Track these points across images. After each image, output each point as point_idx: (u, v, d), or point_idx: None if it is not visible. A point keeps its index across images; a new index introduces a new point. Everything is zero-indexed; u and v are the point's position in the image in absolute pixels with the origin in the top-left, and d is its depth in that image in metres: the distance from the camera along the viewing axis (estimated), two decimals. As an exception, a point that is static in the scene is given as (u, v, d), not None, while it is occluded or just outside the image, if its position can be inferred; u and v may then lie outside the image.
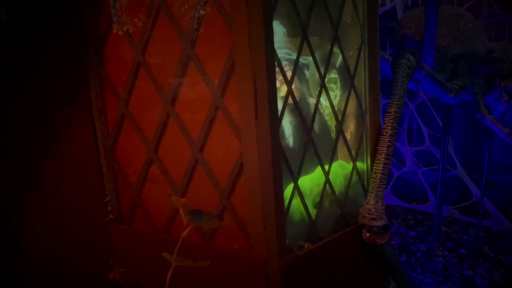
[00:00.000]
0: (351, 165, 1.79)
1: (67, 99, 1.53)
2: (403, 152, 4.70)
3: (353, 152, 1.79)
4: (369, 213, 1.71)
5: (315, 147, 1.60)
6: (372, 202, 1.72)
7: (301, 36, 1.49)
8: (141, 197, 1.69)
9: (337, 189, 1.77)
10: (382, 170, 1.74)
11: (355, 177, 1.81)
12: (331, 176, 1.73)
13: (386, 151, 1.75)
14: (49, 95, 1.47)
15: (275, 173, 1.41)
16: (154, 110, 1.57)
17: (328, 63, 1.61)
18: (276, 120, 1.40)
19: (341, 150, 1.80)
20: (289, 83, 1.47)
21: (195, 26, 1.42)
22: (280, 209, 1.46)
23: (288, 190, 1.55)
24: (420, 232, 3.99)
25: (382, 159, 1.74)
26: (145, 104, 1.59)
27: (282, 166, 1.49)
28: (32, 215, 1.53)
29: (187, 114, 1.53)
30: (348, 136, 1.81)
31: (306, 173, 1.69)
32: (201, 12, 1.40)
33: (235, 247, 1.53)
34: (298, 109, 1.52)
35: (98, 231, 1.64)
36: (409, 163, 4.64)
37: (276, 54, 1.39)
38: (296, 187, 1.56)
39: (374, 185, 1.74)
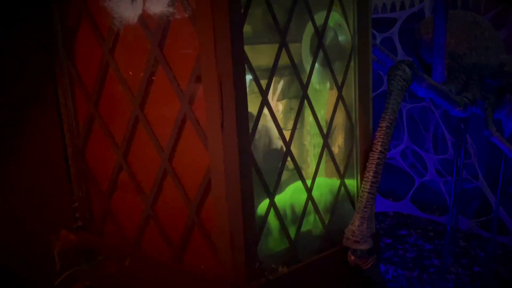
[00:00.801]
0: (339, 181, 1.68)
1: (32, 95, 1.48)
2: (425, 159, 4.53)
3: (341, 167, 1.68)
4: (352, 235, 1.59)
5: (294, 160, 1.50)
6: (356, 223, 1.60)
7: (279, 43, 1.40)
8: (111, 205, 1.63)
9: (322, 206, 1.67)
10: (369, 189, 1.62)
11: (343, 194, 1.70)
12: (316, 193, 1.63)
13: (374, 169, 1.63)
14: (11, 89, 1.43)
15: (243, 188, 1.32)
16: (123, 113, 1.50)
17: (311, 72, 1.51)
18: (245, 131, 1.31)
19: (329, 164, 1.69)
20: (264, 92, 1.38)
21: (164, 26, 1.35)
22: (250, 228, 1.37)
23: (264, 206, 1.46)
24: (438, 246, 3.81)
25: (370, 178, 1.63)
26: (115, 106, 1.53)
27: (256, 180, 1.40)
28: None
29: (157, 120, 1.46)
30: (336, 150, 1.70)
31: (286, 189, 1.59)
32: (170, 11, 1.33)
33: (202, 267, 1.44)
34: (274, 120, 1.43)
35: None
36: (432, 171, 4.46)
37: (248, 60, 1.31)
38: (272, 204, 1.46)
39: (360, 204, 1.62)
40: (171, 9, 1.33)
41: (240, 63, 1.27)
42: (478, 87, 2.52)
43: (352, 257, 1.62)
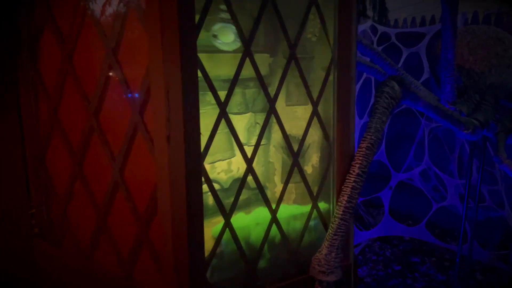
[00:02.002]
0: (310, 204, 1.57)
1: None
2: (446, 182, 4.30)
3: (314, 189, 1.57)
4: (318, 265, 1.48)
5: (257, 179, 1.41)
6: (324, 251, 1.49)
7: (243, 52, 1.32)
8: (67, 214, 1.59)
9: (291, 230, 1.57)
10: (341, 214, 1.51)
11: (316, 218, 1.59)
12: (284, 215, 1.53)
13: (349, 193, 1.52)
14: None
15: (190, 207, 1.25)
16: (81, 120, 1.47)
17: (281, 84, 1.42)
18: (195, 145, 1.24)
19: (301, 185, 1.59)
20: (222, 104, 1.31)
21: (118, 32, 1.31)
22: (197, 250, 1.29)
23: (218, 228, 1.38)
24: (452, 277, 3.58)
25: (344, 202, 1.51)
26: (73, 113, 1.50)
27: (210, 199, 1.33)
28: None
29: (111, 129, 1.41)
30: (309, 170, 1.60)
31: (256, 210, 1.51)
32: (125, 17, 1.29)
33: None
34: (233, 134, 1.35)
35: (18, 244, 1.56)
36: (451, 196, 4.22)
37: (204, 69, 1.24)
38: (228, 225, 1.38)
39: (330, 231, 1.51)
40: (126, 16, 1.29)
41: (192, 72, 1.21)
42: (491, 109, 2.34)
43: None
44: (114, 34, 1.32)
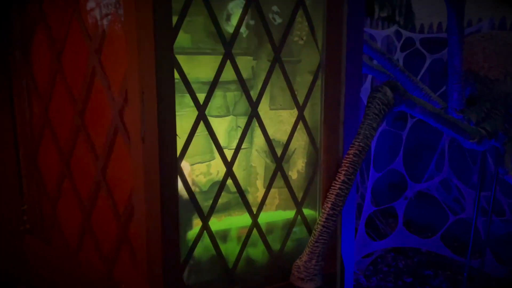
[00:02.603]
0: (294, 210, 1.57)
1: None
2: (464, 194, 4.16)
3: (299, 195, 1.56)
4: (297, 271, 1.47)
5: (237, 183, 1.42)
6: (304, 258, 1.48)
7: (223, 55, 1.33)
8: (56, 212, 1.64)
9: (275, 236, 1.57)
10: (324, 222, 1.49)
11: (299, 225, 1.58)
12: (267, 219, 1.53)
13: (333, 201, 1.50)
14: None
15: (163, 208, 1.27)
16: (68, 120, 1.52)
17: (264, 88, 1.42)
18: (171, 147, 1.26)
19: (284, 191, 1.58)
20: (201, 107, 1.32)
21: (101, 33, 1.34)
22: (171, 252, 1.31)
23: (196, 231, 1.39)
24: (462, 292, 3.46)
25: (327, 209, 1.50)
26: (62, 112, 1.55)
27: (187, 202, 1.34)
28: None
29: (95, 130, 1.45)
30: (294, 175, 1.59)
31: (235, 213, 1.52)
32: (108, 19, 1.33)
33: (122, 286, 1.40)
34: (213, 138, 1.36)
35: (9, 239, 1.62)
36: (470, 209, 4.08)
37: (182, 71, 1.26)
38: (206, 228, 1.39)
39: (312, 238, 1.50)
40: (109, 17, 1.32)
41: (167, 75, 1.23)
42: (501, 118, 2.26)
43: (303, 297, 1.50)
44: (97, 36, 1.36)
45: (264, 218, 1.53)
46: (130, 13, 1.21)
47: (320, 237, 1.50)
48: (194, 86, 1.31)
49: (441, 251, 3.86)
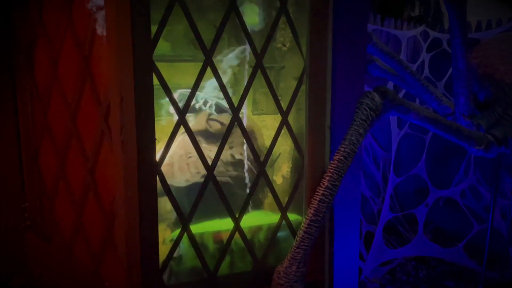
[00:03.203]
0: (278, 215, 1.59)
1: None
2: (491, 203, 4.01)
3: (284, 200, 1.59)
4: (278, 277, 1.49)
5: (219, 188, 1.46)
6: (285, 264, 1.50)
7: (204, 61, 1.38)
8: (54, 210, 1.75)
9: (259, 241, 1.60)
10: (306, 227, 1.51)
11: (284, 230, 1.61)
12: (251, 224, 1.57)
13: (316, 206, 1.51)
14: None
15: (142, 211, 1.33)
16: (63, 123, 1.61)
17: (245, 93, 1.46)
18: (149, 151, 1.32)
19: (269, 195, 1.61)
20: (181, 112, 1.38)
21: (90, 41, 1.43)
22: (150, 253, 1.37)
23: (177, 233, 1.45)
24: (482, 304, 3.34)
25: (310, 215, 1.51)
26: (59, 116, 1.65)
27: (168, 206, 1.40)
28: None
29: (86, 133, 1.54)
30: (279, 180, 1.62)
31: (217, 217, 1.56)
32: (94, 27, 1.40)
33: (106, 284, 1.48)
34: (193, 142, 1.41)
35: (10, 235, 1.74)
36: (497, 217, 3.92)
37: (162, 77, 1.32)
38: (186, 231, 1.44)
39: (294, 244, 1.52)
40: (95, 28, 1.40)
41: (146, 82, 1.30)
42: (509, 124, 2.18)
43: (280, 301, 1.53)
44: (87, 45, 1.45)
45: (249, 222, 1.57)
46: (111, 25, 1.28)
47: (302, 243, 1.52)
48: (175, 92, 1.37)
49: (464, 261, 3.73)
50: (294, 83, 1.55)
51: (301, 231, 1.54)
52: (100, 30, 1.39)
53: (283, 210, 1.58)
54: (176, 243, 1.44)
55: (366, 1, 1.86)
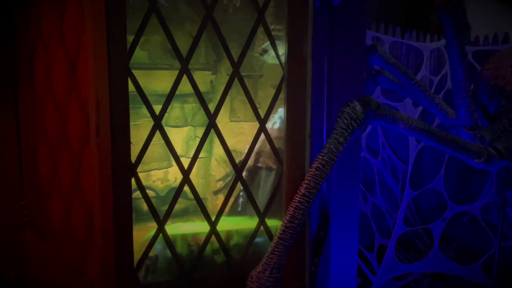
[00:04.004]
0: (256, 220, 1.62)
1: None
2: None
3: (261, 206, 1.61)
4: (250, 281, 1.52)
5: (194, 190, 1.51)
6: (259, 269, 1.52)
7: (179, 70, 1.44)
8: (49, 209, 1.85)
9: (236, 244, 1.63)
10: (281, 234, 1.53)
11: (262, 235, 1.63)
12: (228, 228, 1.61)
13: (292, 213, 1.53)
14: None
15: (116, 212, 1.40)
16: (55, 127, 1.71)
17: (222, 101, 1.51)
18: (124, 153, 1.39)
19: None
20: (157, 117, 1.44)
21: (76, 49, 1.52)
22: (124, 254, 1.43)
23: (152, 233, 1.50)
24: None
25: (285, 222, 1.53)
26: (53, 121, 1.75)
27: (145, 206, 1.47)
28: None
29: (73, 137, 1.63)
30: (257, 186, 1.65)
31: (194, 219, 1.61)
32: (80, 36, 1.49)
33: (86, 279, 1.55)
34: (169, 147, 1.47)
35: (8, 230, 1.86)
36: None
37: (138, 83, 1.39)
38: (161, 231, 1.50)
39: (269, 249, 1.54)
40: (81, 36, 1.50)
41: (121, 88, 1.37)
42: None
43: (253, 305, 1.55)
44: (73, 52, 1.54)
45: (227, 226, 1.60)
46: (88, 34, 1.37)
47: (276, 249, 1.54)
48: (152, 98, 1.44)
49: (480, 280, 3.58)
50: (272, 91, 1.58)
51: (276, 237, 1.56)
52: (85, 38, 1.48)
53: (261, 216, 1.61)
54: (151, 243, 1.49)
55: (347, 14, 1.89)
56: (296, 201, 1.59)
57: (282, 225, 1.57)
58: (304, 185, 1.58)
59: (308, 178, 1.59)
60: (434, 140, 1.95)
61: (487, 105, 2.57)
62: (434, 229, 3.89)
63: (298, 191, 1.59)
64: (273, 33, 1.54)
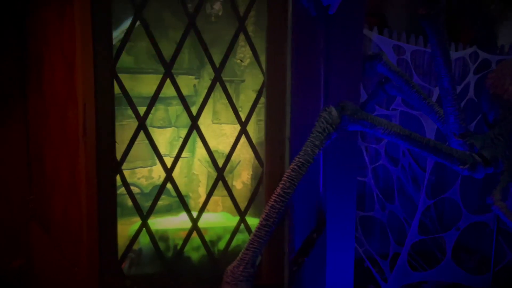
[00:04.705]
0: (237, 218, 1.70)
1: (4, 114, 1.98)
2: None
3: (243, 204, 1.69)
4: (226, 275, 1.59)
5: (177, 188, 1.61)
6: (234, 264, 1.60)
7: (163, 74, 1.55)
8: (53, 204, 1.98)
9: (219, 241, 1.71)
10: (256, 231, 1.59)
11: (243, 233, 1.71)
12: (211, 225, 1.69)
13: (267, 212, 1.60)
14: None
15: (100, 207, 1.51)
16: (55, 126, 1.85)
17: (204, 104, 1.60)
18: (108, 151, 1.51)
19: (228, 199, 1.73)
20: (141, 118, 1.55)
21: (72, 53, 1.65)
22: (108, 247, 1.54)
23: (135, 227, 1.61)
24: None
25: (261, 220, 1.60)
26: (55, 122, 1.89)
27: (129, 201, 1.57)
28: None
29: (71, 136, 1.75)
30: (239, 185, 1.73)
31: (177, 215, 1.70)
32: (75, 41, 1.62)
33: (75, 270, 1.66)
34: (153, 146, 1.57)
35: (16, 222, 2.01)
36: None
37: (123, 86, 1.50)
38: (145, 226, 1.60)
39: (245, 245, 1.61)
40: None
41: (106, 91, 1.49)
42: (501, 145, 2.11)
43: (229, 298, 1.62)
44: (69, 56, 1.67)
45: (208, 223, 1.69)
46: (77, 40, 1.50)
47: (251, 245, 1.61)
48: (137, 100, 1.55)
49: (490, 291, 3.52)
50: (254, 96, 1.67)
51: (252, 234, 1.64)
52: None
53: (241, 214, 1.69)
54: (135, 236, 1.60)
55: (343, 23, 1.96)
56: (272, 200, 1.66)
57: (259, 223, 1.65)
58: (280, 185, 1.66)
59: (284, 178, 1.66)
60: (415, 146, 1.98)
61: (486, 114, 2.58)
62: (448, 238, 3.86)
63: (275, 191, 1.67)
64: (254, 41, 1.63)
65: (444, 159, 2.05)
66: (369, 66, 2.82)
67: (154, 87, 1.58)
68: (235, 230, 1.71)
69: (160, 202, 1.61)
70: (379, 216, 3.67)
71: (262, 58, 1.65)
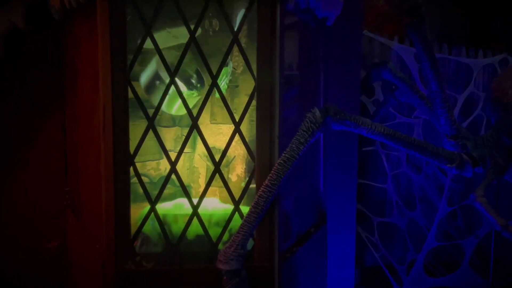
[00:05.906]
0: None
1: (41, 116, 2.37)
2: None
3: (237, 195, 1.95)
4: (219, 254, 1.85)
5: (179, 178, 1.89)
6: (227, 245, 1.86)
7: (167, 83, 1.85)
8: (81, 195, 2.32)
9: (216, 227, 1.98)
10: (246, 217, 1.87)
11: (237, 220, 1.96)
12: (210, 212, 1.96)
13: (256, 200, 1.87)
14: (26, 108, 2.35)
15: (116, 193, 1.82)
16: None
17: (202, 106, 1.88)
18: (123, 147, 1.81)
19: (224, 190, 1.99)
20: (150, 119, 1.85)
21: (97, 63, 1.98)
22: (122, 228, 1.85)
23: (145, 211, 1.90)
24: None
25: (251, 207, 1.86)
26: (85, 122, 2.23)
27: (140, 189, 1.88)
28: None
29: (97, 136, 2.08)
30: (234, 178, 1.98)
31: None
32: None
33: (97, 246, 1.98)
34: (160, 143, 1.86)
35: (54, 210, 2.38)
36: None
37: (136, 92, 1.81)
38: (153, 210, 1.89)
39: (237, 229, 1.87)
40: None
41: (122, 96, 1.80)
42: (491, 145, 2.22)
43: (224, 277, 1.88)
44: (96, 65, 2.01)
45: (209, 210, 1.96)
46: (98, 53, 1.82)
47: (241, 229, 1.87)
48: (147, 104, 1.85)
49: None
50: (246, 99, 1.93)
51: (243, 220, 1.89)
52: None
53: (235, 202, 1.95)
54: (144, 219, 1.90)
55: (342, 33, 2.18)
56: (260, 190, 1.92)
57: (249, 210, 1.90)
58: (268, 177, 1.91)
59: (273, 171, 1.91)
60: (400, 145, 2.16)
61: (489, 117, 2.70)
62: (467, 245, 3.90)
63: (264, 182, 1.91)
64: (246, 51, 1.90)
65: (430, 157, 2.23)
66: (375, 73, 3.01)
67: (161, 93, 1.89)
68: (231, 217, 1.97)
69: (166, 191, 1.90)
70: (398, 222, 3.78)
71: (254, 66, 1.91)
